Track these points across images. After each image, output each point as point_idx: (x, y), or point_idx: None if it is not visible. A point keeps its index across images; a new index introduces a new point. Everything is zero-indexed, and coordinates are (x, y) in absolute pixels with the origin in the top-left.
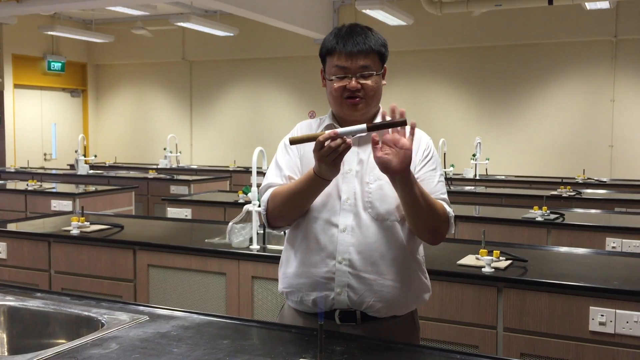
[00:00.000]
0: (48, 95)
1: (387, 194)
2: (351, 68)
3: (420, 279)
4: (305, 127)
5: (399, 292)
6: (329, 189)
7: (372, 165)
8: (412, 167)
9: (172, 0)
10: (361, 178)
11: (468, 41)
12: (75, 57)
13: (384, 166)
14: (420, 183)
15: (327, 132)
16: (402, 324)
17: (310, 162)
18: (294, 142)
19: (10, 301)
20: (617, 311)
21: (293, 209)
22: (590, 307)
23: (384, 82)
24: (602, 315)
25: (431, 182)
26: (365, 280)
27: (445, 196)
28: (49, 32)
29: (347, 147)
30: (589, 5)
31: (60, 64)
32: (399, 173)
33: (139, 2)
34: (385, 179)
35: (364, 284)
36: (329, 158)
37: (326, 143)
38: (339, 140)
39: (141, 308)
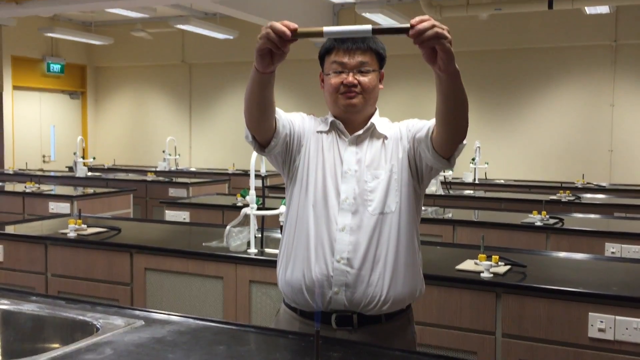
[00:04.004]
0: (47, 97)
1: (386, 189)
2: (349, 64)
3: (417, 272)
4: (313, 119)
5: (397, 288)
6: (328, 188)
7: (369, 163)
8: (404, 141)
9: (171, 2)
10: (359, 177)
11: (468, 45)
12: (75, 59)
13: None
14: (416, 128)
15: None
16: (399, 329)
17: (308, 150)
18: (298, 34)
19: (5, 305)
20: (617, 317)
21: (248, 104)
22: (590, 313)
23: (380, 86)
24: (602, 322)
25: (419, 122)
26: (362, 278)
27: None
28: (49, 34)
29: (282, 52)
30: (588, 10)
31: (59, 66)
32: (445, 59)
33: (138, 4)
34: (382, 177)
35: (362, 283)
36: (261, 44)
37: (269, 28)
38: (274, 36)
39: (137, 312)
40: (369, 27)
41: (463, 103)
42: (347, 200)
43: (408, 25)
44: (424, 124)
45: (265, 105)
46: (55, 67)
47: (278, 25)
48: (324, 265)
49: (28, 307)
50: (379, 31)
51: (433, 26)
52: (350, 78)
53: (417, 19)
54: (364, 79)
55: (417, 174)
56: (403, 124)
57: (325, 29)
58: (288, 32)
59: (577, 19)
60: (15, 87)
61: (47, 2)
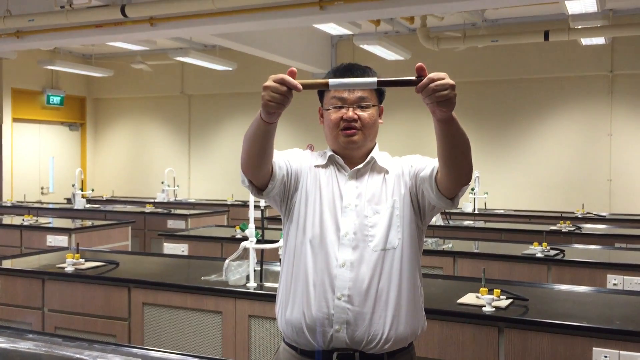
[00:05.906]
0: (46, 129)
1: (387, 224)
2: (349, 99)
3: (419, 309)
4: (309, 154)
5: (399, 327)
6: (326, 223)
7: (369, 198)
8: (406, 177)
9: (171, 35)
10: (359, 212)
11: (465, 76)
12: (75, 91)
13: (439, 107)
14: (420, 167)
15: (333, 81)
16: None
17: (305, 186)
18: (304, 86)
19: (1, 343)
20: (621, 352)
21: (249, 152)
22: (594, 348)
23: (380, 120)
24: (606, 357)
25: (421, 159)
26: (364, 316)
27: None
28: (49, 67)
29: (286, 96)
30: (584, 41)
31: (59, 98)
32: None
33: (139, 38)
34: (384, 212)
35: (363, 320)
36: (268, 94)
37: (274, 80)
38: (284, 88)
39: (134, 350)
40: (374, 79)
41: (463, 147)
42: (347, 235)
43: (414, 77)
44: (427, 163)
45: (265, 153)
46: (55, 99)
47: (289, 79)
48: (324, 303)
49: (24, 345)
50: (384, 83)
51: (440, 78)
52: (350, 113)
53: (421, 64)
54: (363, 114)
55: (420, 210)
56: (404, 160)
57: (331, 81)
58: (300, 87)
59: (574, 50)
60: (15, 119)
61: (47, 35)
